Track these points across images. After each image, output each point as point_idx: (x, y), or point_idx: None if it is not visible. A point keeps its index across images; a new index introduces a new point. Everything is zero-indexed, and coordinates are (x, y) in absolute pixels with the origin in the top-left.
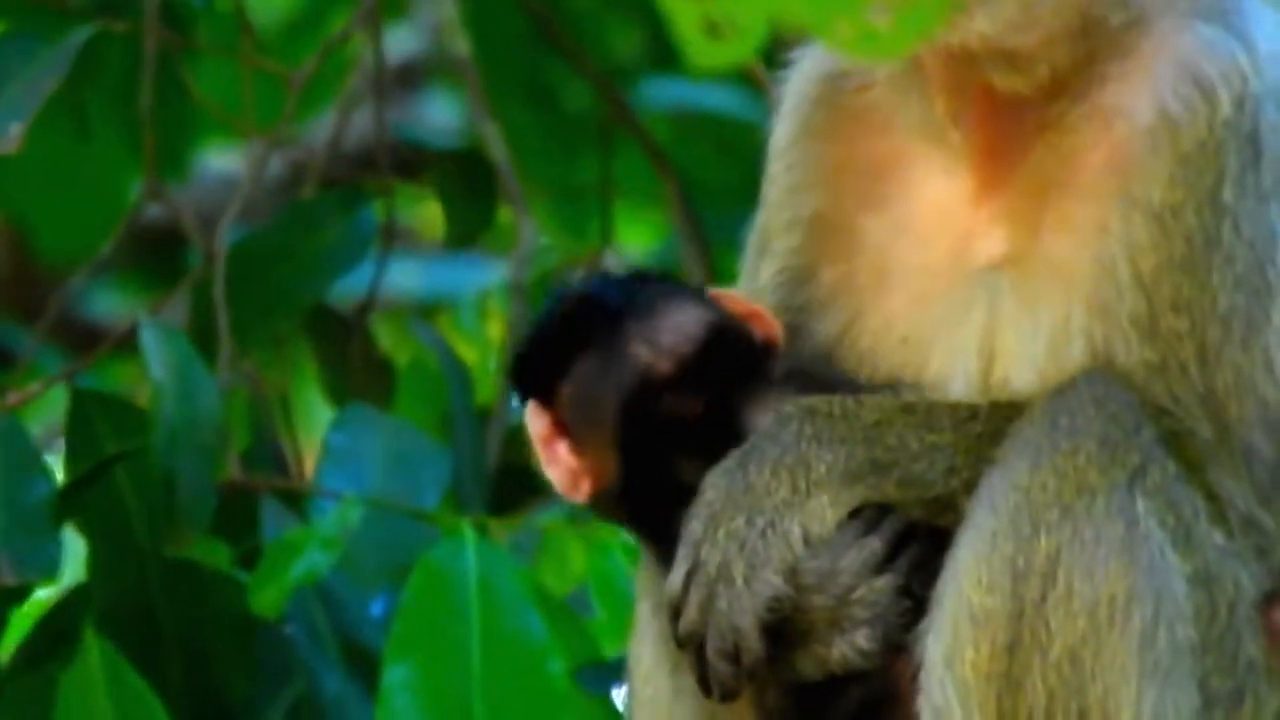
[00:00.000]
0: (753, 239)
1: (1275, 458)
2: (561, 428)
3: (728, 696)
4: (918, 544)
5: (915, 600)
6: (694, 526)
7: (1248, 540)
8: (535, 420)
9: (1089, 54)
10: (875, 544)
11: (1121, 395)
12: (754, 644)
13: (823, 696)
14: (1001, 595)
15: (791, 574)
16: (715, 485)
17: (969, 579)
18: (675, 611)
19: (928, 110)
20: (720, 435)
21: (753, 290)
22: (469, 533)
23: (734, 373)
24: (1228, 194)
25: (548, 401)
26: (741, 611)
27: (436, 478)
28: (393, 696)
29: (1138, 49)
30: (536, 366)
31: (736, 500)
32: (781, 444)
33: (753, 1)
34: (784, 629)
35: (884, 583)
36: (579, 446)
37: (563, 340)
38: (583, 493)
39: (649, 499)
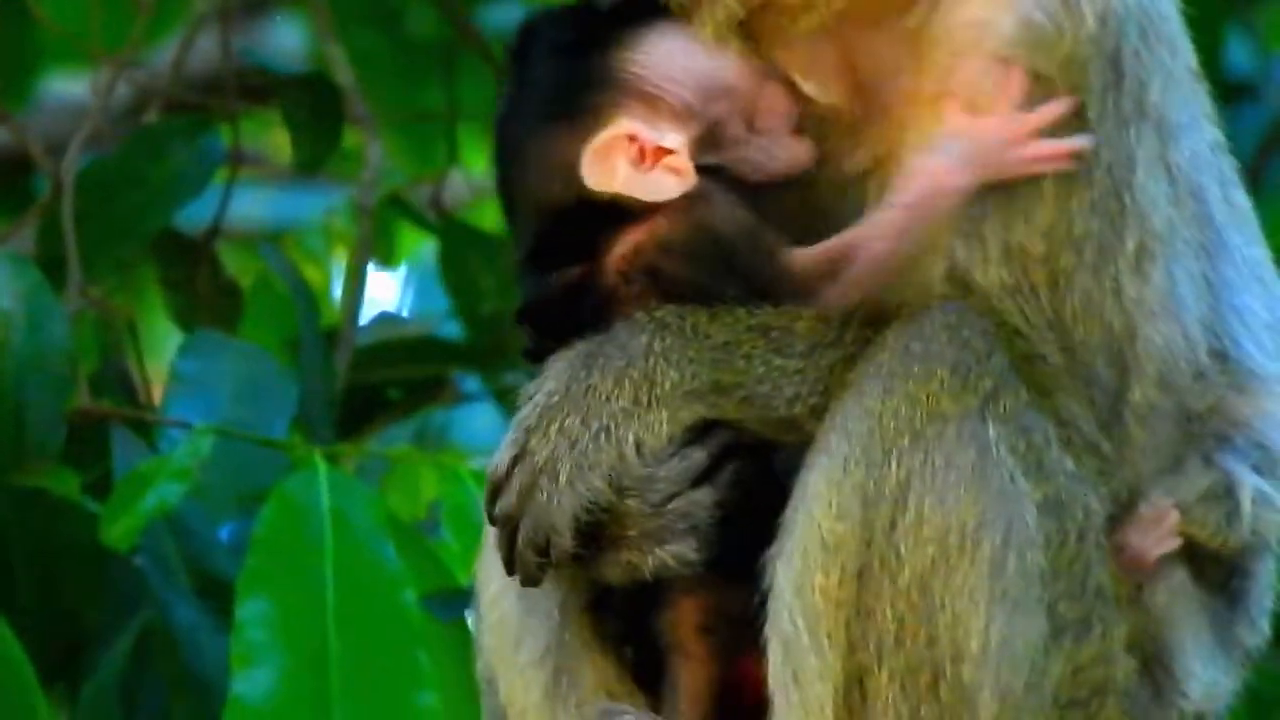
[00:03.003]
0: None
1: (1115, 385)
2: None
3: (530, 583)
4: (742, 460)
5: (753, 526)
6: (528, 412)
7: (1091, 463)
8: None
9: None
10: (699, 455)
11: (975, 321)
12: (565, 541)
13: (659, 629)
14: (851, 521)
15: (615, 479)
16: (558, 375)
17: (819, 505)
18: (494, 490)
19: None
20: None
21: None
22: (320, 463)
23: None
24: (1090, 114)
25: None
26: (560, 509)
27: (284, 402)
28: (248, 629)
29: None
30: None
31: (576, 399)
32: (629, 354)
33: None
34: (597, 531)
35: (702, 494)
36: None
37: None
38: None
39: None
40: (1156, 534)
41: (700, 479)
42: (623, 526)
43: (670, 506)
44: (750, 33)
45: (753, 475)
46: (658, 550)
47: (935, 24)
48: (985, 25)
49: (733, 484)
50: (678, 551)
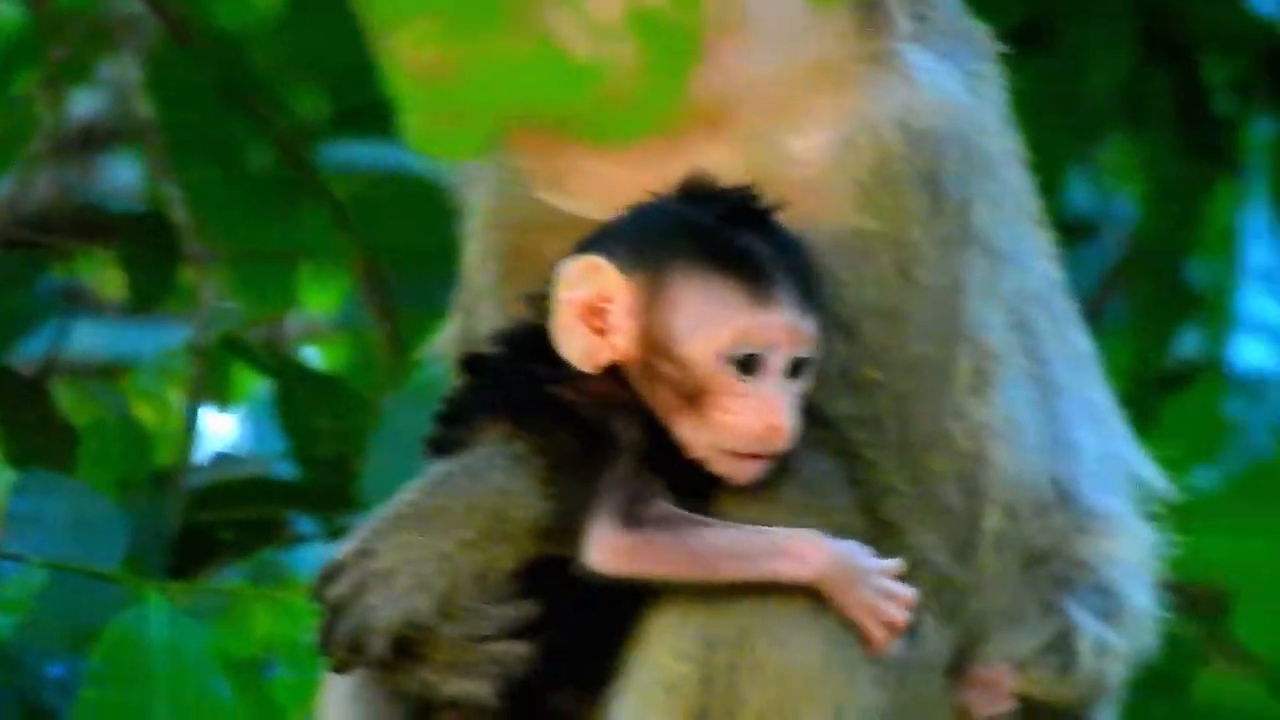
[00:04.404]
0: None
1: (968, 513)
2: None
3: (338, 671)
4: (575, 627)
5: (599, 665)
6: (384, 514)
7: (941, 599)
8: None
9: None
10: (529, 610)
11: (817, 461)
12: (381, 647)
13: None
14: (692, 662)
15: (444, 602)
16: (417, 488)
17: (660, 645)
18: (330, 574)
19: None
20: None
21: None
22: (155, 597)
23: None
24: (914, 236)
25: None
26: (385, 617)
27: (117, 542)
28: None
29: (811, 90)
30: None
31: (426, 517)
32: (483, 485)
33: (491, 90)
34: (411, 645)
35: (519, 647)
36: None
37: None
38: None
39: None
40: (991, 695)
41: (525, 631)
42: (435, 648)
43: (486, 646)
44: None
45: (587, 623)
46: (457, 681)
47: (743, 152)
48: (796, 153)
49: (559, 650)
50: (474, 690)
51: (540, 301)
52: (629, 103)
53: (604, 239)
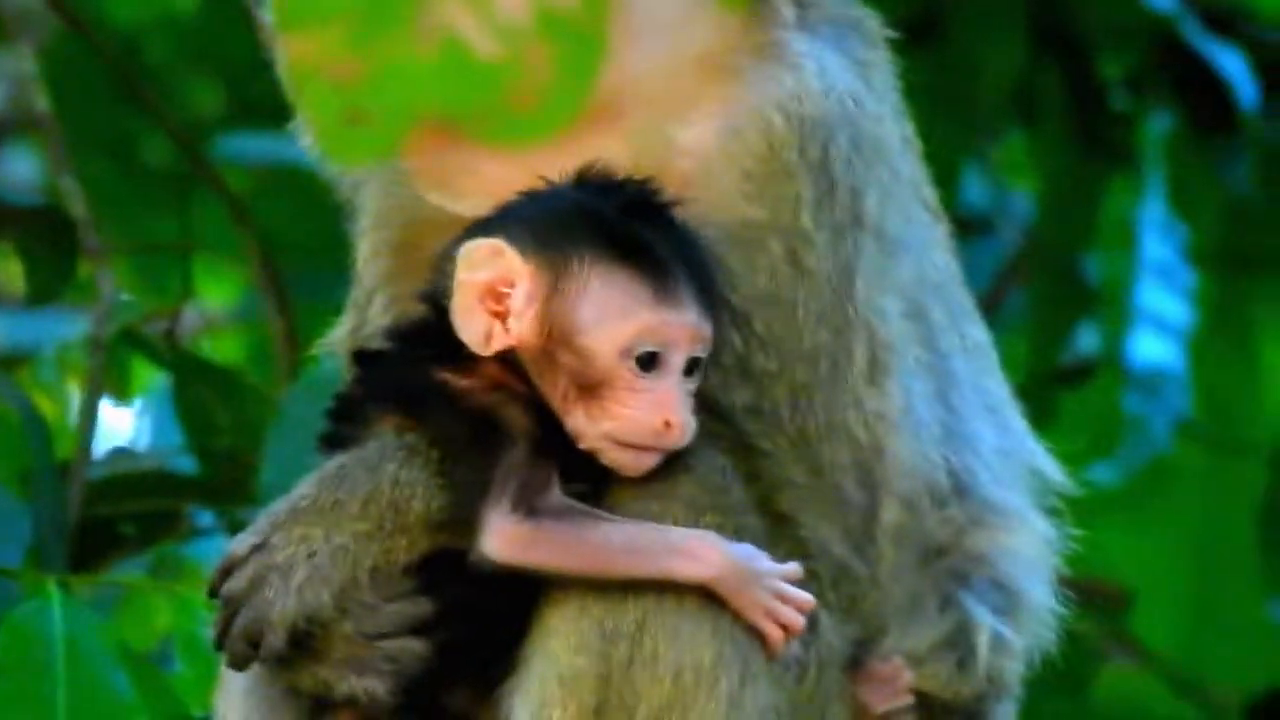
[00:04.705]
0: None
1: (866, 505)
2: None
3: (235, 667)
4: (471, 623)
5: (491, 656)
6: (279, 508)
7: (840, 592)
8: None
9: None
10: (425, 606)
11: (711, 456)
12: (278, 641)
13: None
14: (590, 656)
15: (341, 597)
16: (312, 482)
17: (557, 639)
18: (227, 568)
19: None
20: None
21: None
22: (53, 591)
23: None
24: (803, 222)
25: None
26: (282, 611)
27: (17, 534)
28: None
29: (697, 82)
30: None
31: (323, 511)
32: (376, 478)
33: (396, 92)
34: (308, 640)
35: (415, 644)
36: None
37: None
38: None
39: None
40: (888, 690)
41: (422, 629)
42: (331, 644)
43: (382, 643)
44: None
45: (483, 620)
46: (353, 679)
47: (627, 144)
48: (685, 145)
49: (452, 646)
50: (370, 687)
51: (431, 296)
52: (535, 103)
53: (503, 222)
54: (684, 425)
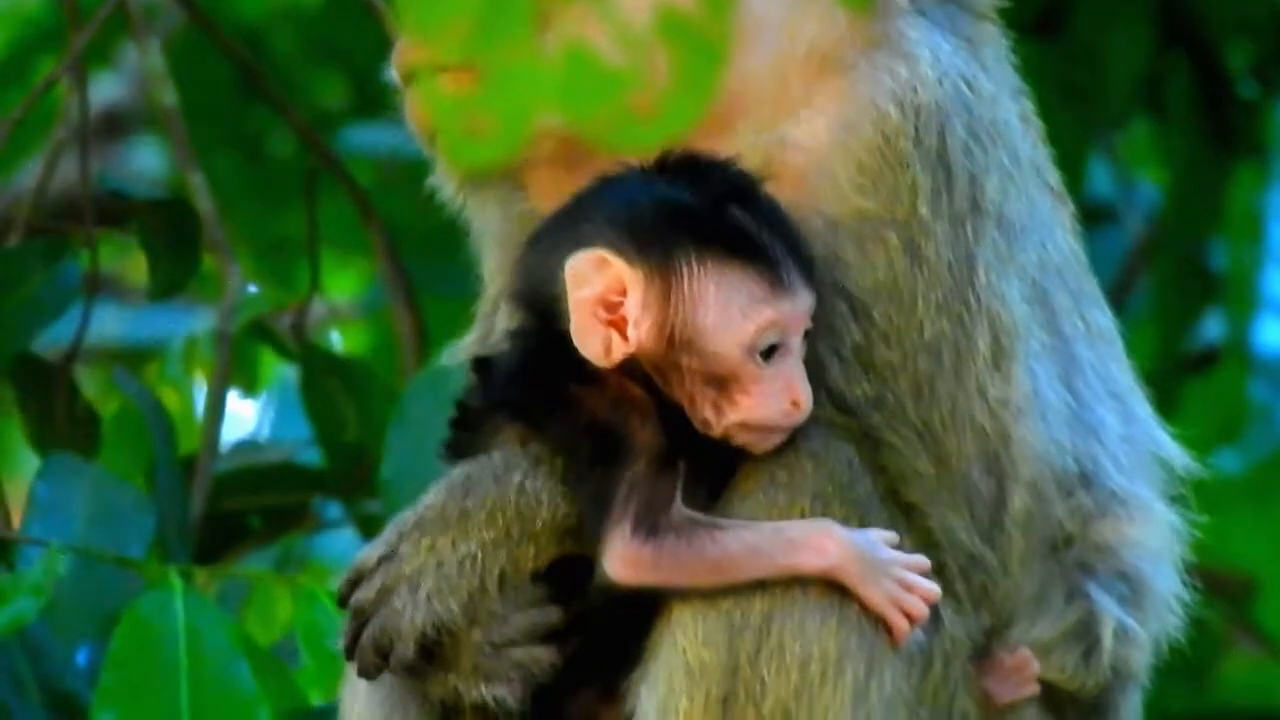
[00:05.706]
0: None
1: (994, 494)
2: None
3: (364, 675)
4: (598, 629)
5: (620, 652)
6: (406, 518)
7: (970, 583)
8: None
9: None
10: (554, 615)
11: (840, 448)
12: (407, 651)
13: None
14: (717, 648)
15: (469, 606)
16: (439, 490)
17: (684, 631)
18: (355, 578)
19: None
20: None
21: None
22: (176, 582)
23: None
24: (922, 212)
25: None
26: (411, 621)
27: (141, 528)
28: None
29: (809, 78)
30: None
31: (450, 520)
32: (502, 487)
33: (512, 102)
34: (437, 649)
35: (543, 652)
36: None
37: None
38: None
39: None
40: (1014, 681)
41: (550, 637)
42: (460, 653)
43: (511, 652)
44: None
45: (610, 626)
46: (483, 687)
47: (747, 144)
48: (798, 140)
49: (579, 653)
50: (500, 695)
51: (527, 298)
52: (656, 109)
53: (594, 224)
54: (808, 401)
